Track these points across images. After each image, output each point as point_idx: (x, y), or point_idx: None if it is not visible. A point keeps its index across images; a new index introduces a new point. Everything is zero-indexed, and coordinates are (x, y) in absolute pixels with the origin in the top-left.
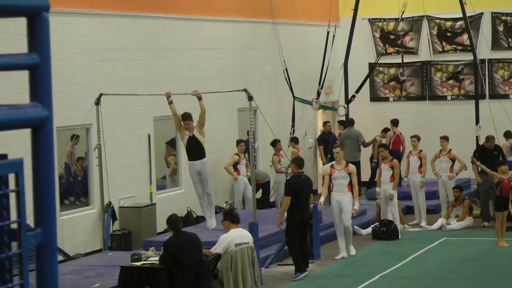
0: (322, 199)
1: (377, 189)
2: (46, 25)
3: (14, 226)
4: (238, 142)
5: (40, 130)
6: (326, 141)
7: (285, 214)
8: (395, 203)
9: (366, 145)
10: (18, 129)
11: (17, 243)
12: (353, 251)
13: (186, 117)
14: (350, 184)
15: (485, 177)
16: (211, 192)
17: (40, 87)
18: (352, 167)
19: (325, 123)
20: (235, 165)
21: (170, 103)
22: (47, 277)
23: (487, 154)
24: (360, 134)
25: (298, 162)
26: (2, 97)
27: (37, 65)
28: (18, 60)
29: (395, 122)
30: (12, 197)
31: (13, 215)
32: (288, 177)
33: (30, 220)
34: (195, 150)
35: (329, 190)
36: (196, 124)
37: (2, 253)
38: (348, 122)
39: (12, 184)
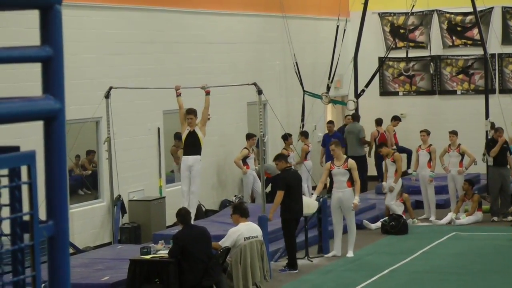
0: (314, 195)
1: (384, 183)
2: (58, 18)
3: (26, 218)
4: (250, 136)
5: (53, 122)
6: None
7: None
8: (394, 195)
9: (365, 141)
10: (31, 121)
11: (29, 235)
12: (350, 253)
13: (191, 111)
14: (350, 180)
15: (497, 171)
16: (196, 191)
17: (53, 80)
18: (351, 163)
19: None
20: (244, 159)
21: (178, 95)
22: (59, 269)
23: None
24: (362, 129)
25: (285, 157)
26: (14, 90)
27: (50, 57)
28: (31, 52)
29: (379, 122)
30: (25, 190)
31: (25, 207)
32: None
33: (41, 213)
34: (192, 145)
35: (331, 186)
36: (199, 121)
37: (15, 244)
38: (352, 117)
39: (24, 176)
